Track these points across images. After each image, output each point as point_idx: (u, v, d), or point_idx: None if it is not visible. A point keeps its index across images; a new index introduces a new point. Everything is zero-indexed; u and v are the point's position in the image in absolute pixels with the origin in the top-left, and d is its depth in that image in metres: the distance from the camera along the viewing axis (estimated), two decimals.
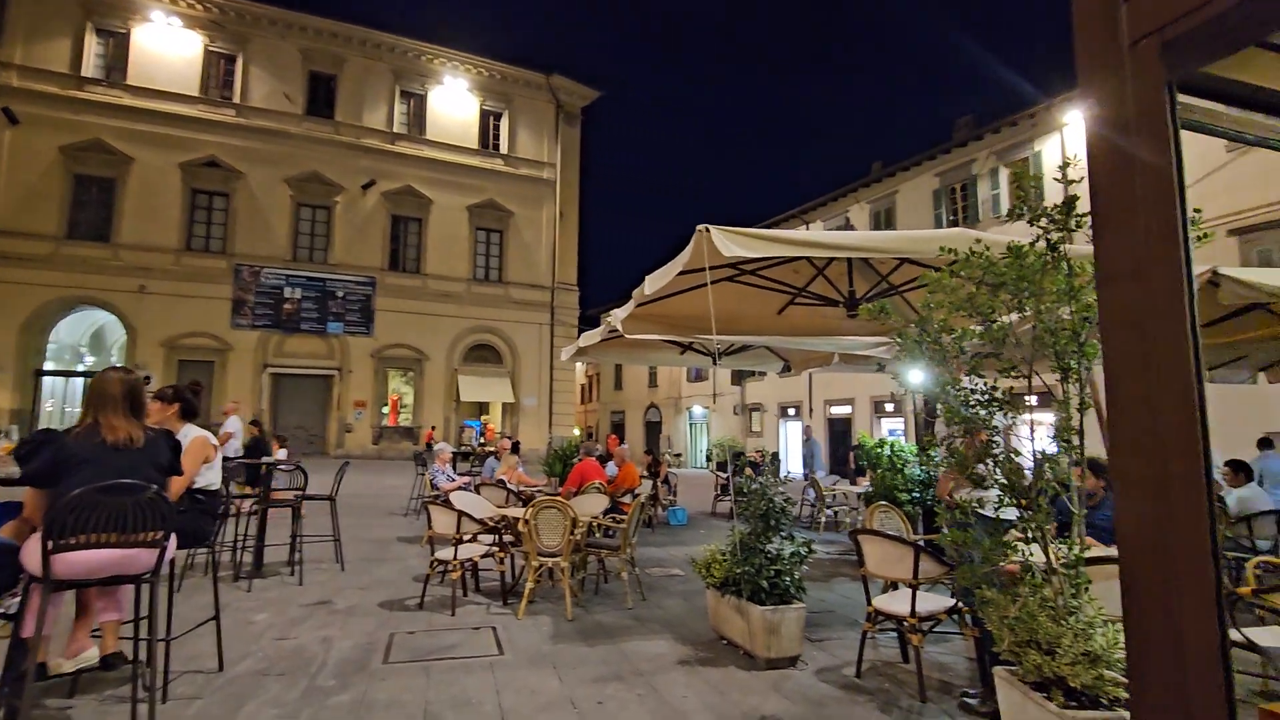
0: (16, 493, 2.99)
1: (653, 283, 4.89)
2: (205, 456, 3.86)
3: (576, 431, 32.51)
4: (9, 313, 19.92)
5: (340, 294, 23.83)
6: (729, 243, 4.00)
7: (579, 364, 38.12)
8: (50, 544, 2.48)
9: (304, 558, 6.03)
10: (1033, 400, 2.87)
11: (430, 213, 25.50)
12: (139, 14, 22.16)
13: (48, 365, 21.48)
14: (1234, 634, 2.82)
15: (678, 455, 31.21)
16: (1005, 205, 18.79)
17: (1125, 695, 2.00)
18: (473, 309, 25.83)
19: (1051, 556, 2.32)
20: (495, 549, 5.48)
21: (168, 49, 22.54)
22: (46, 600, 2.54)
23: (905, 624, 3.49)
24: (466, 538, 5.25)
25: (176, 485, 3.35)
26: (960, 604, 3.58)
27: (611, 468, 8.98)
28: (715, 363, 8.10)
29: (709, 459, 28.57)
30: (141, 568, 2.75)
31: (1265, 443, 8.68)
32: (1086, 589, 2.26)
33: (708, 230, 4.03)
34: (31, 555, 2.55)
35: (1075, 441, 2.25)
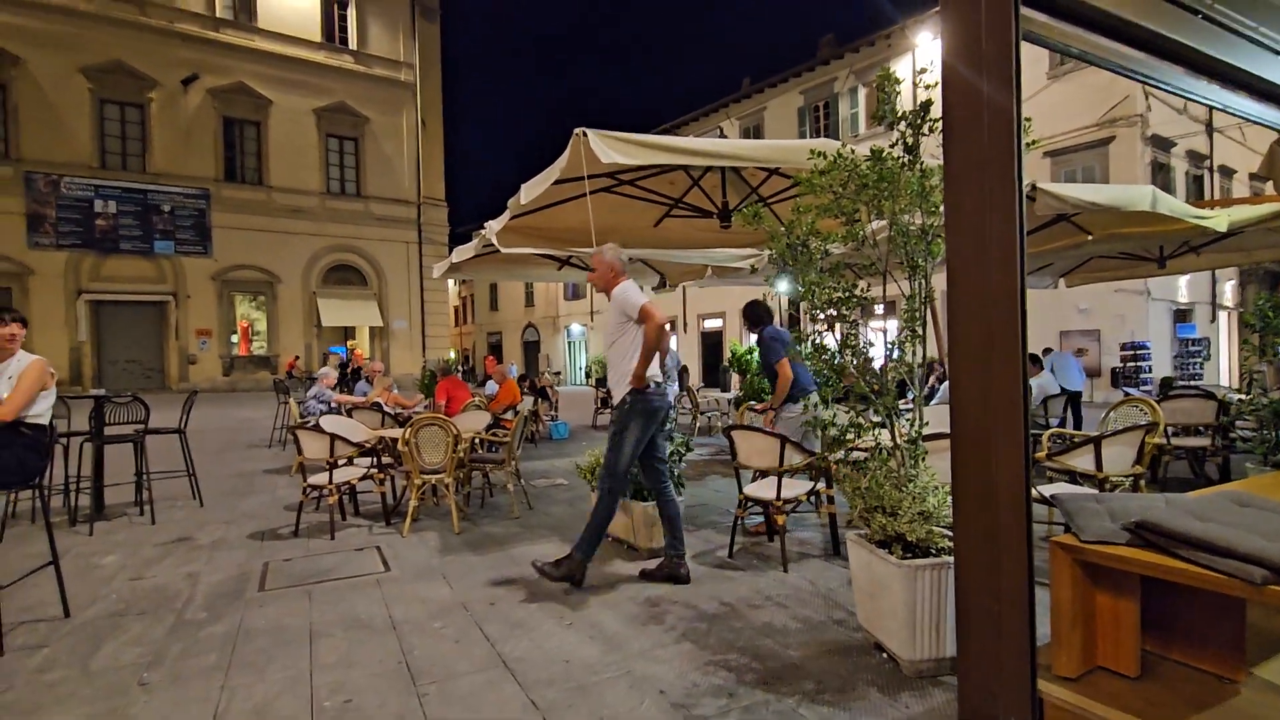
0: None
1: (528, 191, 4.73)
2: (43, 385, 3.43)
3: (452, 354, 31.62)
4: None
5: (167, 208, 20.96)
6: (607, 148, 3.92)
7: (451, 283, 36.58)
8: None
9: (154, 496, 5.54)
10: (879, 309, 3.16)
11: (270, 115, 22.69)
12: None
13: None
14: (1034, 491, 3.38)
15: (557, 373, 31.38)
16: (864, 124, 19.73)
17: (951, 545, 2.36)
18: (330, 226, 23.74)
19: (896, 434, 2.63)
20: (374, 471, 5.33)
21: None
22: None
23: (772, 507, 3.85)
24: (342, 462, 5.05)
25: (6, 409, 2.97)
26: (817, 486, 4.00)
27: (492, 385, 8.89)
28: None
29: (588, 375, 29.00)
30: None
31: (1047, 350, 10.33)
32: (924, 459, 2.60)
33: (585, 134, 3.92)
34: None
35: (920, 331, 2.52)
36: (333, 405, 7.33)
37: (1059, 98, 15.38)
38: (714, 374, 23.24)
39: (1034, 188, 4.28)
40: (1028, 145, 2.45)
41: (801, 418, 4.69)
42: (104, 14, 20.05)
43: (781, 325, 6.61)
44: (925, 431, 2.74)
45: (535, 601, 3.48)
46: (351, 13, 24.35)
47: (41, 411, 3.53)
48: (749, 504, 4.02)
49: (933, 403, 6.92)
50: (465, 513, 5.41)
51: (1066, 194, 4.50)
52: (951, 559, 2.16)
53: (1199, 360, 16.57)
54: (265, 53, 22.51)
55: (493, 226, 5.56)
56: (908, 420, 2.68)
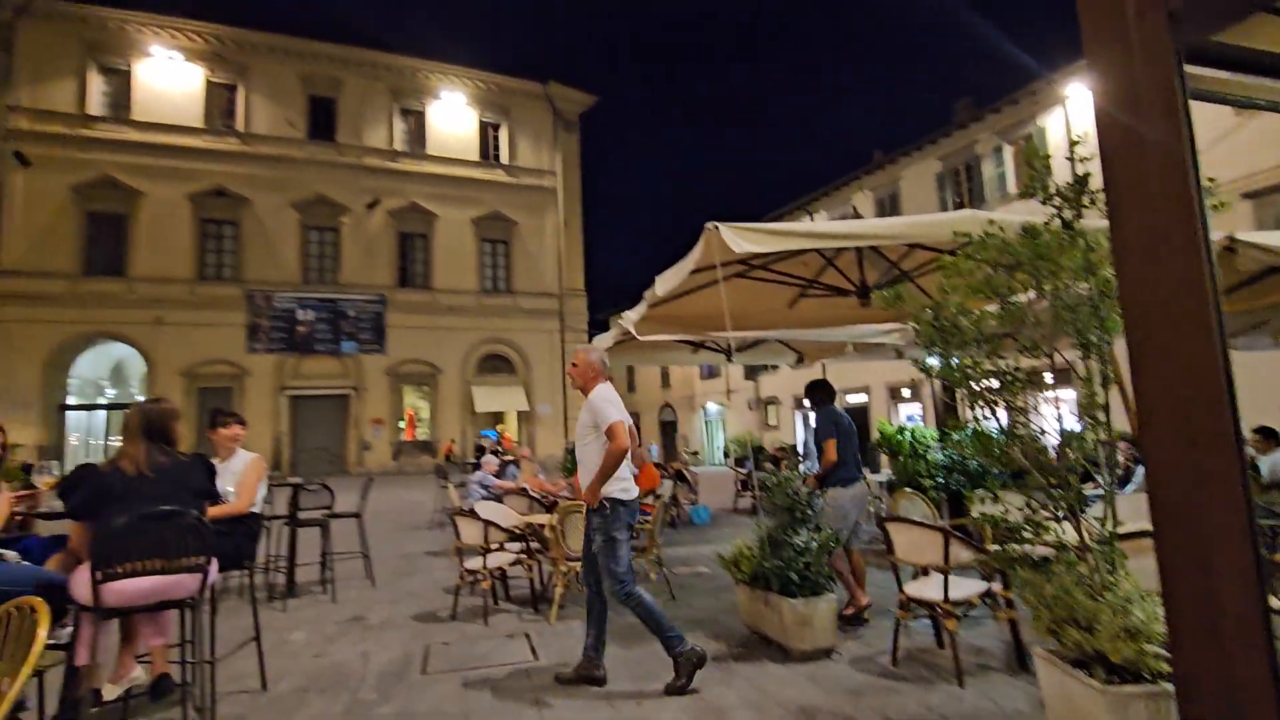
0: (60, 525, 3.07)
1: (663, 283, 4.92)
2: (260, 479, 3.99)
3: None
4: (30, 351, 20.30)
5: (352, 313, 24.08)
6: (738, 239, 4.02)
7: None
8: (98, 574, 2.55)
9: (335, 575, 6.10)
10: (1049, 379, 2.87)
11: (436, 228, 25.73)
12: (139, 50, 22.56)
13: (70, 400, 21.87)
14: (1274, 602, 2.80)
15: (694, 453, 31.19)
16: (1012, 183, 18.63)
17: (1168, 669, 2.00)
18: (483, 320, 26.02)
19: (1084, 534, 2.32)
20: (523, 556, 5.52)
21: (170, 83, 22.92)
22: (97, 629, 2.60)
23: (939, 609, 3.49)
24: (494, 546, 5.29)
25: (240, 505, 3.47)
26: (992, 587, 3.58)
27: (634, 469, 8.99)
28: (729, 359, 8.11)
29: (726, 455, 28.56)
30: (185, 593, 2.81)
31: None
32: (1123, 564, 2.26)
33: (717, 228, 4.05)
34: (80, 586, 2.62)
35: (1101, 417, 2.25)
36: (492, 491, 7.76)
37: (1253, 133, 13.60)
38: (860, 451, 21.99)
39: (1232, 240, 3.79)
40: (1214, 206, 2.20)
41: (840, 503, 4.67)
42: (311, 158, 24.21)
43: (937, 405, 6.21)
44: (1123, 528, 2.40)
45: (680, 704, 3.35)
46: (504, 133, 27.49)
47: (256, 501, 4.07)
48: (911, 604, 3.67)
49: (1128, 489, 6.05)
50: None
51: (1274, 244, 3.93)
52: (1171, 686, 1.82)
53: None
54: (433, 175, 25.85)
55: (629, 317, 5.80)
56: (1096, 516, 2.36)
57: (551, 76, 28.03)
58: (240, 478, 3.98)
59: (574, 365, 3.89)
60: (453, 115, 26.74)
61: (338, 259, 24.37)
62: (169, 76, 22.89)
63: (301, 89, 24.55)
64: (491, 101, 27.39)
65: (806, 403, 5.24)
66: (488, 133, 27.37)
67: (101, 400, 24.11)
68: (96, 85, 22.16)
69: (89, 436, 23.40)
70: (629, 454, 3.62)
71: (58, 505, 3.06)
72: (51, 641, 2.93)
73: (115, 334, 21.57)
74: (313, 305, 23.64)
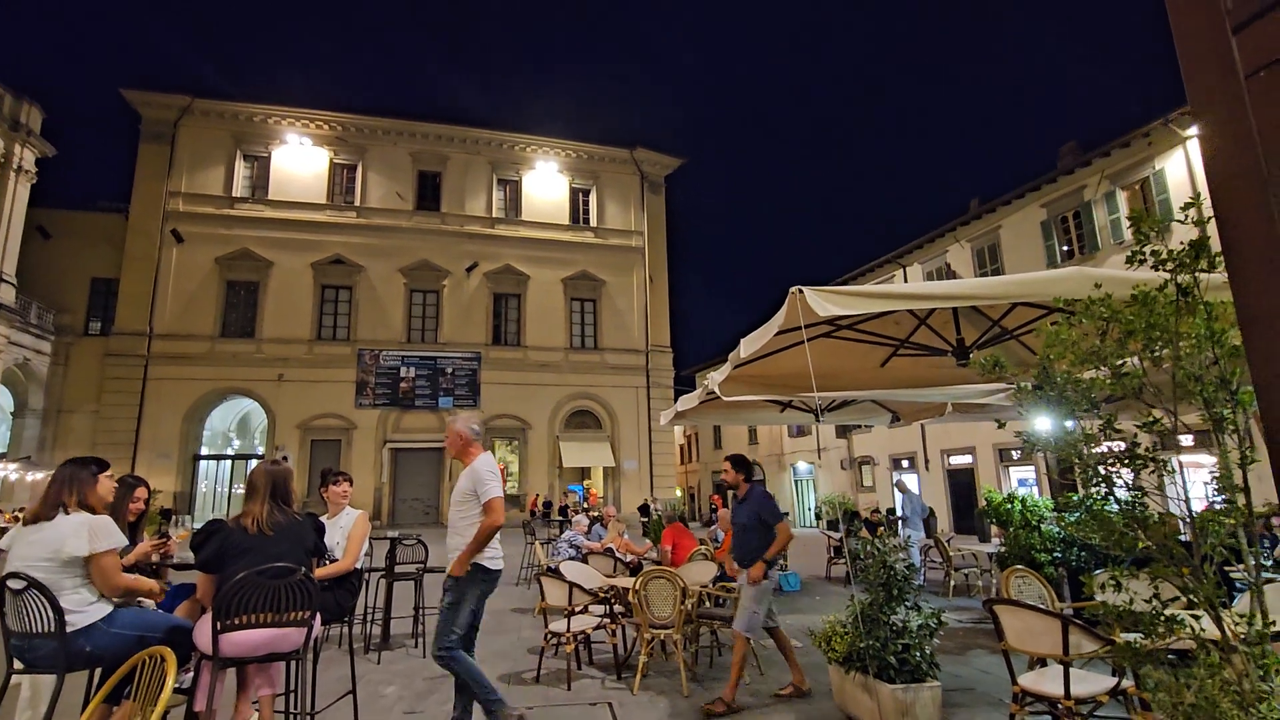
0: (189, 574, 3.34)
1: (748, 345, 4.90)
2: (364, 536, 4.22)
3: (678, 493, 32.20)
4: (174, 405, 22.61)
5: (449, 370, 25.37)
6: (824, 302, 3.96)
7: (677, 425, 38.03)
8: (219, 625, 2.75)
9: (427, 629, 6.25)
10: (1187, 440, 2.59)
11: (528, 288, 26.94)
12: (278, 139, 25.51)
13: (203, 450, 24.04)
14: None
15: (785, 514, 30.09)
16: (1126, 230, 17.45)
17: None
18: (571, 377, 26.69)
19: (1228, 631, 2.05)
20: (607, 620, 5.47)
21: (300, 165, 25.68)
22: (216, 676, 2.80)
23: (1059, 707, 3.14)
24: (578, 609, 5.28)
25: (346, 564, 3.72)
26: (1124, 684, 3.20)
27: (719, 532, 8.81)
28: (818, 419, 7.89)
29: (818, 517, 27.39)
30: (291, 645, 2.98)
31: None
32: (1279, 670, 1.97)
33: (801, 292, 4.02)
34: (203, 635, 2.84)
35: (1241, 500, 2.02)
36: (580, 551, 7.79)
37: None
38: (966, 517, 20.48)
39: None
40: None
41: (770, 585, 4.61)
42: (417, 227, 26.20)
43: (1050, 471, 5.77)
44: (1279, 626, 2.10)
45: None
46: (593, 198, 28.77)
47: (359, 557, 4.28)
48: (1026, 699, 3.33)
49: None
50: (694, 671, 5.24)
51: None
52: None
53: None
54: (526, 239, 27.28)
55: (715, 378, 5.81)
56: (1241, 613, 2.08)
57: (639, 142, 29.25)
58: (349, 535, 4.21)
59: (447, 438, 3.99)
60: (545, 182, 28.32)
61: (438, 319, 25.92)
62: (300, 160, 25.69)
63: (411, 165, 26.84)
64: (581, 168, 28.83)
65: (738, 471, 4.91)
66: (578, 197, 28.72)
67: (229, 451, 26.37)
68: (240, 170, 25.16)
69: (216, 484, 25.55)
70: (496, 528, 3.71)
71: (188, 555, 3.35)
72: (175, 686, 3.16)
73: (243, 390, 23.71)
74: (414, 363, 25.11)
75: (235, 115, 25.01)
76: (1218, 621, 2.12)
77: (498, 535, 3.77)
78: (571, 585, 5.26)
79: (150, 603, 3.25)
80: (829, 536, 12.57)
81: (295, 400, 23.62)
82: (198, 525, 3.77)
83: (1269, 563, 5.54)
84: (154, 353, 22.75)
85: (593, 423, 27.00)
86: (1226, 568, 3.70)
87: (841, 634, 4.06)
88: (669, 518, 8.56)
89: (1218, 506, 2.21)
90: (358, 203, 25.93)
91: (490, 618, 7.78)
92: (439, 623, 3.69)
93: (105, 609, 2.84)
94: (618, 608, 5.73)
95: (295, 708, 3.06)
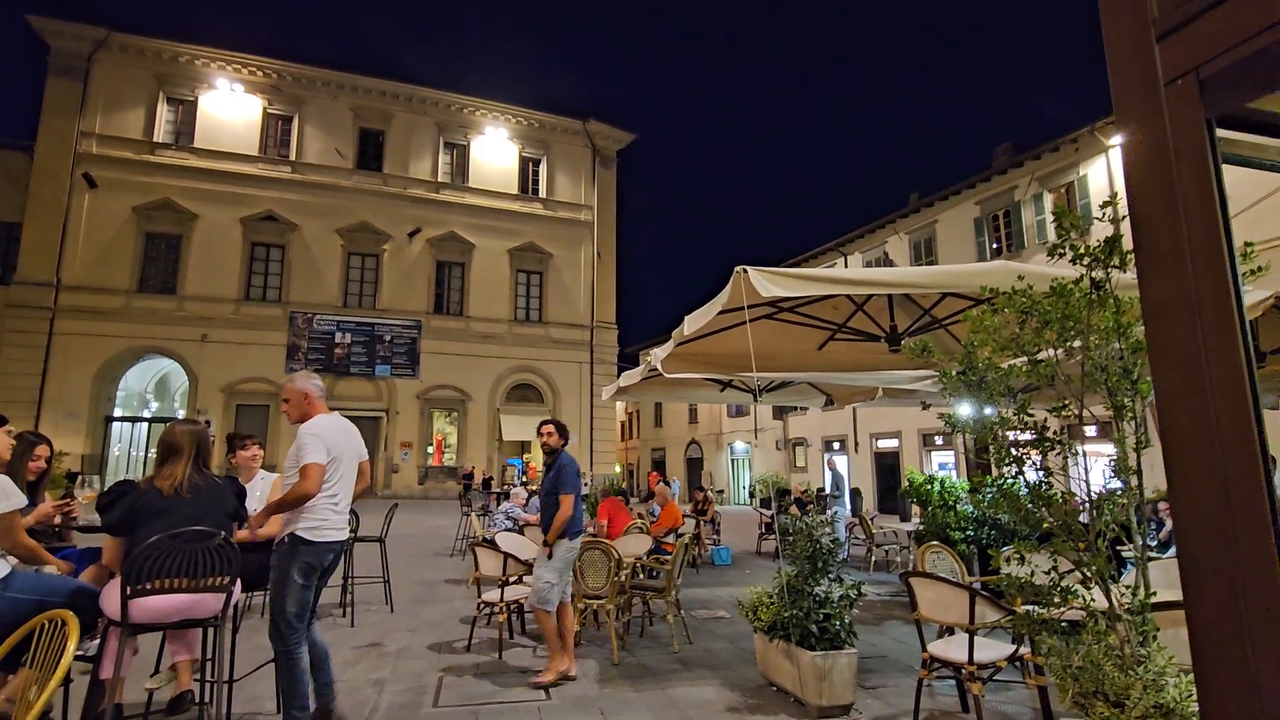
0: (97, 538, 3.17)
1: (692, 323, 4.95)
2: None
3: (617, 469, 32.46)
4: (84, 363, 21.15)
5: (388, 337, 24.61)
6: (766, 283, 4.04)
7: (619, 402, 38.26)
8: (128, 590, 2.63)
9: (355, 599, 6.14)
10: (1092, 430, 2.79)
11: (473, 257, 26.30)
12: (205, 82, 23.83)
13: (117, 412, 22.64)
14: None
15: (720, 491, 30.80)
16: (1051, 231, 18.37)
17: None
18: (514, 349, 26.33)
19: (1115, 602, 2.24)
20: None
21: (231, 113, 24.11)
22: (124, 644, 2.67)
23: (964, 671, 3.37)
24: (513, 579, 5.29)
25: (271, 530, 3.48)
26: (1021, 650, 3.44)
27: (655, 507, 8.95)
28: (756, 399, 8.07)
29: (752, 495, 28.14)
30: (209, 612, 2.87)
31: None
32: (1155, 636, 2.16)
33: (745, 271, 4.09)
34: (110, 601, 2.70)
35: (1134, 482, 2.19)
36: (517, 523, 7.77)
37: None
38: (891, 498, 21.45)
39: (1278, 298, 3.69)
40: (1253, 271, 2.16)
41: (568, 556, 4.44)
42: (357, 187, 25.09)
43: (968, 455, 6.07)
44: (1157, 597, 2.31)
45: None
46: (544, 168, 28.20)
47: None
48: (935, 665, 3.55)
49: (1170, 552, 5.80)
50: (624, 641, 5.34)
51: None
52: None
53: None
54: (473, 206, 26.55)
55: (658, 354, 5.85)
56: (1128, 585, 2.27)
57: (592, 114, 28.75)
58: (267, 500, 4.06)
59: (285, 401, 3.51)
60: (495, 149, 27.54)
61: (377, 284, 25.02)
62: (230, 107, 24.10)
63: (353, 121, 25.60)
64: (533, 137, 28.17)
65: (559, 436, 4.69)
66: (527, 167, 28.09)
67: (145, 413, 24.93)
68: (163, 114, 23.42)
69: (131, 448, 24.15)
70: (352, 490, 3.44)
71: (95, 519, 3.17)
72: (79, 653, 3.01)
73: (163, 349, 22.37)
74: (350, 328, 24.22)
75: (159, 54, 23.20)
76: (1107, 593, 2.31)
77: (332, 503, 3.35)
78: (506, 555, 5.26)
79: (51, 567, 3.06)
80: (761, 514, 12.95)
81: (220, 362, 22.46)
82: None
83: (1154, 543, 6.04)
84: (62, 305, 21.15)
85: (535, 396, 26.79)
86: (1119, 546, 4.01)
87: (767, 604, 4.21)
88: (605, 492, 8.63)
89: (1114, 488, 2.38)
90: (293, 157, 24.59)
91: (422, 588, 7.72)
92: (271, 604, 3.29)
93: (2, 569, 2.67)
94: None
95: (213, 675, 2.96)
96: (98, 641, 2.88)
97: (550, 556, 4.39)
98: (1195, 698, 1.85)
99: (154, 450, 22.90)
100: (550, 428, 4.68)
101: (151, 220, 22.58)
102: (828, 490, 10.87)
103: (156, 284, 22.47)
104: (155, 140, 23.01)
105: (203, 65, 23.73)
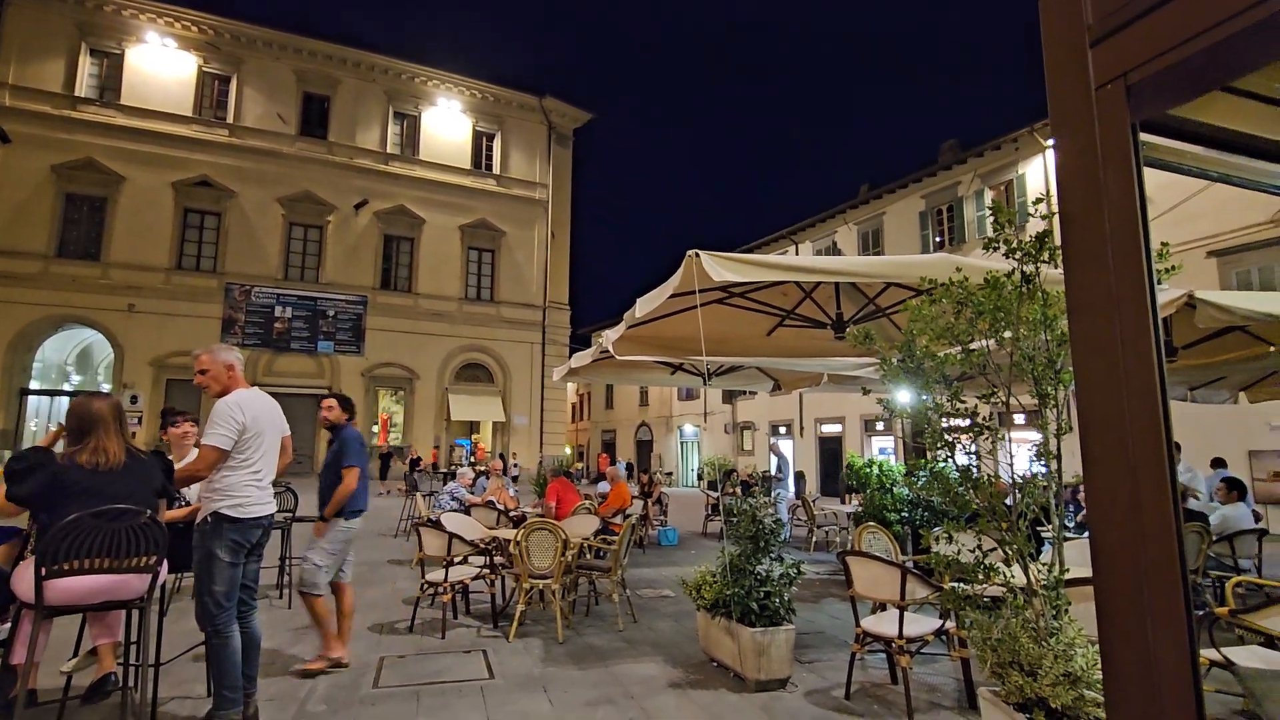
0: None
1: (644, 306, 4.96)
2: None
3: (567, 450, 32.42)
4: None
5: (331, 313, 23.80)
6: (718, 267, 4.08)
7: (570, 383, 38.11)
8: (43, 571, 2.49)
9: (293, 580, 5.98)
10: (1020, 419, 2.94)
11: (422, 232, 25.60)
12: (134, 35, 22.31)
13: (33, 384, 21.26)
14: (1212, 654, 2.87)
15: (669, 474, 31.15)
16: (990, 227, 19.09)
17: (1105, 716, 2.05)
18: (464, 328, 25.85)
19: (1032, 578, 2.37)
20: (486, 571, 5.48)
21: (162, 70, 22.66)
22: (38, 628, 2.54)
23: (894, 645, 3.53)
24: (457, 559, 5.25)
25: (178, 514, 3.33)
26: (947, 625, 3.63)
27: (604, 486, 8.99)
28: (706, 383, 8.17)
29: (700, 477, 28.58)
30: (133, 593, 2.75)
31: (1218, 462, 9.01)
32: (1067, 610, 2.31)
33: (697, 255, 4.12)
34: (23, 582, 2.56)
35: (1054, 466, 2.32)
36: (463, 503, 7.68)
37: (1228, 192, 14.11)
38: (832, 482, 22.11)
39: (1191, 297, 3.93)
40: (1168, 270, 2.30)
41: (343, 537, 4.30)
42: (301, 154, 24.02)
43: (906, 440, 6.30)
44: (1070, 574, 2.46)
45: None
46: (497, 143, 27.56)
47: None
48: (867, 639, 3.70)
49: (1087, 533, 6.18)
50: (570, 620, 5.38)
51: (1231, 304, 4.09)
52: None
53: None
54: (423, 180, 25.77)
55: (609, 336, 5.84)
56: (1045, 562, 2.41)
57: (548, 91, 28.20)
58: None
59: (201, 373, 3.36)
60: (447, 122, 26.75)
61: (320, 257, 24.10)
62: (161, 63, 22.64)
63: (296, 84, 24.43)
64: (487, 111, 27.47)
65: (343, 410, 4.54)
66: (481, 142, 27.41)
67: (65, 386, 23.50)
68: (86, 67, 21.83)
69: (49, 422, 22.76)
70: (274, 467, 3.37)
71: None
72: None
73: (85, 319, 21.07)
74: (291, 302, 23.32)
75: (81, 0, 21.59)
76: (1025, 570, 2.45)
77: (255, 479, 3.26)
78: (451, 535, 5.21)
79: None
80: (708, 495, 13.17)
81: (149, 334, 21.30)
82: None
83: (1071, 524, 6.43)
84: None
85: (485, 376, 26.42)
86: (1038, 527, 4.25)
87: (710, 583, 4.30)
88: (554, 472, 8.62)
89: (1036, 472, 2.52)
90: (230, 120, 23.31)
91: (366, 568, 7.57)
92: (196, 585, 3.16)
93: None
94: (498, 559, 5.75)
95: (138, 659, 2.84)
96: (8, 625, 2.73)
97: (321, 536, 4.20)
98: (1100, 667, 1.99)
99: None
100: (331, 401, 4.48)
101: (73, 181, 21.11)
102: (772, 473, 11.13)
103: (78, 249, 21.08)
104: (77, 95, 21.45)
105: (130, 17, 22.18)
